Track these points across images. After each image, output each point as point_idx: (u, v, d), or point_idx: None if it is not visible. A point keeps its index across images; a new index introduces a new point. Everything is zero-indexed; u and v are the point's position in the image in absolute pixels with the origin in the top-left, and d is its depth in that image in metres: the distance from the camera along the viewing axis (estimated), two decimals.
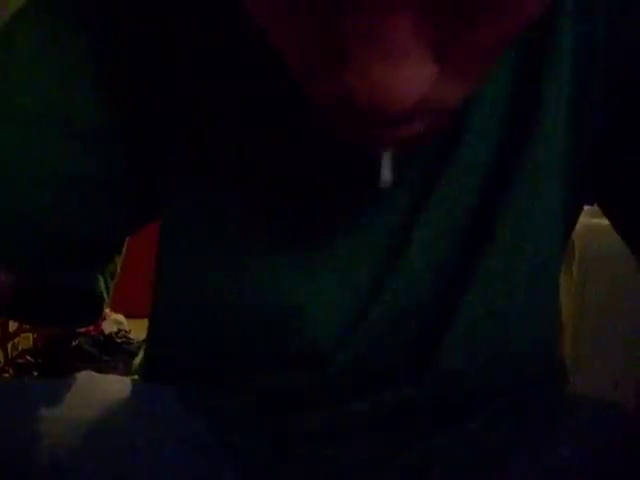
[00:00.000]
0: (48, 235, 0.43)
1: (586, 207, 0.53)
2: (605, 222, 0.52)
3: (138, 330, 2.40)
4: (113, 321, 2.47)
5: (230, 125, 0.46)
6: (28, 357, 2.18)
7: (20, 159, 0.42)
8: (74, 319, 0.52)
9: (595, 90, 0.45)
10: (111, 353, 2.30)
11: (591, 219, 1.33)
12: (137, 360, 0.58)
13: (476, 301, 0.46)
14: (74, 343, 2.25)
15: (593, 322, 1.56)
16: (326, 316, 0.47)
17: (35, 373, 2.12)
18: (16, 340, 2.20)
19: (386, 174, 0.37)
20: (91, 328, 2.39)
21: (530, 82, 0.45)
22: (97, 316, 0.52)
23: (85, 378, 0.50)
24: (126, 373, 0.57)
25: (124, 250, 0.55)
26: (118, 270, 0.55)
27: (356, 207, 0.46)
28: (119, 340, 2.38)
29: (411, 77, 0.30)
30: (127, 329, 2.46)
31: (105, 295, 0.52)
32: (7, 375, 2.08)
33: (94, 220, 0.46)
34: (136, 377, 0.55)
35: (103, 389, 0.50)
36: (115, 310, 2.49)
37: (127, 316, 2.50)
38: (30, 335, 2.22)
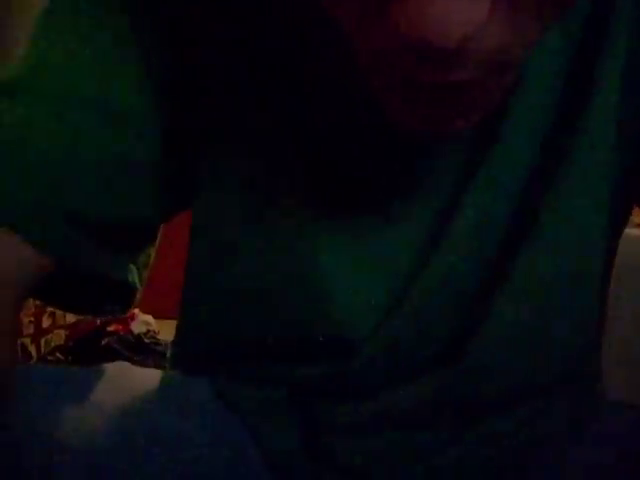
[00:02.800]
0: (80, 219, 0.44)
1: None
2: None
3: (166, 331, 2.41)
4: (142, 322, 2.48)
5: (267, 99, 0.46)
6: (58, 354, 2.20)
7: (55, 142, 0.42)
8: (106, 307, 0.52)
9: None
10: (140, 353, 2.31)
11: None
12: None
13: (515, 295, 0.45)
14: (103, 342, 2.27)
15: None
16: (358, 302, 0.46)
17: None
18: (49, 336, 2.22)
19: None
20: (120, 327, 2.41)
21: (586, 58, 0.44)
22: (129, 305, 0.52)
23: (118, 368, 0.51)
24: None
25: (157, 242, 0.55)
26: (151, 262, 0.55)
27: (396, 187, 0.46)
28: (148, 341, 2.40)
29: (464, 8, 0.29)
30: (156, 330, 2.48)
31: (138, 284, 0.52)
32: None
33: (127, 204, 0.46)
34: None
35: (135, 378, 0.50)
36: (144, 311, 2.51)
37: (156, 317, 2.52)
38: (62, 332, 2.24)
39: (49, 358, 2.19)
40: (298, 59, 0.45)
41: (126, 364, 0.53)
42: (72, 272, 0.46)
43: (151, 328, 2.48)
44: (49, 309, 2.14)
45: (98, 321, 2.31)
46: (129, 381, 0.49)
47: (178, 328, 0.55)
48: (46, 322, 2.18)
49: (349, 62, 0.36)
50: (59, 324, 2.19)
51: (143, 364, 2.21)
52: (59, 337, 2.26)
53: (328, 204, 0.46)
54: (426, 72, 0.32)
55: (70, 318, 2.25)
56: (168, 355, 0.59)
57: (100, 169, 0.43)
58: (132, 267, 0.52)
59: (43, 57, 0.43)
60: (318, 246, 0.46)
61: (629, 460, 0.47)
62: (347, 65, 0.37)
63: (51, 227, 0.43)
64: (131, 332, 2.42)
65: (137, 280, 0.52)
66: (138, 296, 0.54)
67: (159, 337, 2.43)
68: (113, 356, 2.22)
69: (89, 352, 2.21)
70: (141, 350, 2.32)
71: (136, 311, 2.50)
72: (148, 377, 0.51)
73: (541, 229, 0.45)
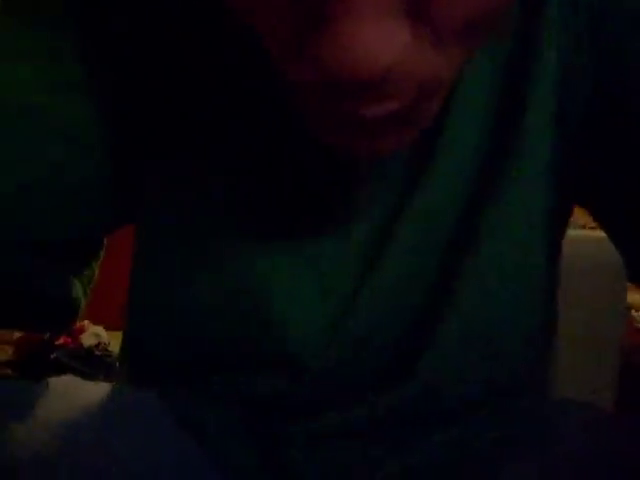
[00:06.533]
0: (23, 234, 0.43)
1: None
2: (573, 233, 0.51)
3: (118, 343, 2.38)
4: (92, 334, 2.44)
5: (214, 120, 0.45)
6: (8, 370, 2.16)
7: None
8: (49, 323, 0.51)
9: (582, 78, 0.45)
10: (90, 366, 2.27)
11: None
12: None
13: (461, 305, 0.46)
14: (52, 356, 2.23)
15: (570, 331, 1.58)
16: (304, 320, 0.46)
17: None
18: None
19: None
20: (69, 340, 2.37)
21: (517, 75, 0.44)
22: (73, 320, 0.52)
23: (65, 382, 0.50)
24: None
25: (101, 255, 0.54)
26: (95, 275, 0.54)
27: (335, 204, 0.46)
28: (98, 353, 2.36)
29: (383, 37, 0.28)
30: (106, 342, 2.44)
31: (82, 299, 0.51)
32: None
33: (72, 219, 0.45)
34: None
35: (83, 392, 0.49)
36: (94, 322, 2.47)
37: (106, 328, 2.48)
38: (8, 348, 2.20)
39: None
40: (234, 79, 0.45)
41: (74, 378, 0.51)
42: (9, 289, 0.45)
43: (102, 340, 2.44)
44: None
45: (46, 335, 2.27)
46: (77, 395, 0.48)
47: (123, 345, 0.54)
48: None
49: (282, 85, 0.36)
50: (5, 339, 2.15)
51: (94, 377, 2.18)
52: (5, 352, 2.21)
53: (268, 222, 0.46)
54: (351, 105, 0.32)
55: (17, 333, 2.20)
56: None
57: (44, 184, 0.43)
58: (76, 282, 0.51)
59: None
60: (258, 264, 0.46)
61: (583, 460, 0.48)
62: (281, 87, 0.37)
63: None
64: (81, 345, 2.38)
65: (81, 295, 0.52)
66: (81, 311, 0.53)
67: (110, 349, 2.40)
68: (63, 370, 2.18)
69: (38, 367, 2.17)
70: (92, 363, 2.29)
71: (86, 323, 2.47)
72: (97, 391, 0.50)
73: (482, 243, 0.46)
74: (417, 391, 0.47)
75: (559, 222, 0.51)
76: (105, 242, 0.54)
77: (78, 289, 0.51)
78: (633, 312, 1.80)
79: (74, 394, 0.49)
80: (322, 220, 0.46)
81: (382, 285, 0.46)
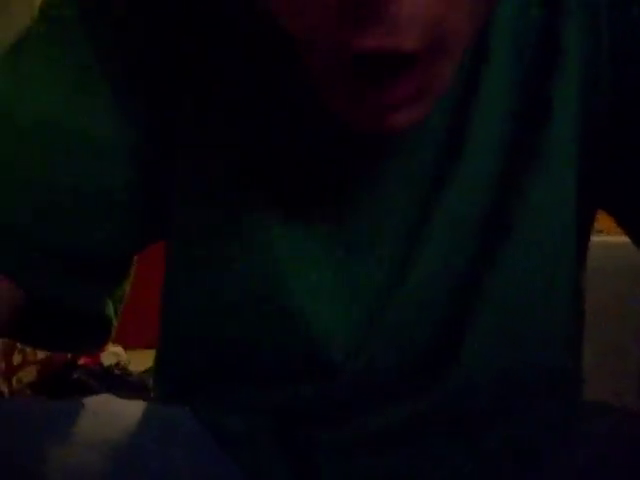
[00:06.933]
0: (56, 250, 0.43)
1: None
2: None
3: (137, 362, 2.38)
4: (111, 353, 2.44)
5: (225, 115, 0.46)
6: (29, 391, 2.16)
7: (22, 173, 0.42)
8: (83, 342, 0.52)
9: (603, 77, 0.45)
10: (111, 385, 2.27)
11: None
12: None
13: (492, 300, 0.46)
14: (74, 376, 2.23)
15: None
16: (333, 321, 0.46)
17: None
18: (20, 374, 2.18)
19: None
20: (90, 360, 2.37)
21: (541, 75, 0.45)
22: (106, 339, 0.52)
23: (101, 400, 0.50)
24: None
25: (131, 274, 0.55)
26: (126, 294, 0.55)
27: (364, 206, 0.46)
28: (118, 372, 2.36)
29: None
30: (126, 361, 2.44)
31: (114, 318, 0.52)
32: None
33: (103, 234, 0.46)
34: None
35: (118, 411, 0.49)
36: (113, 342, 2.47)
37: (125, 348, 2.48)
38: (34, 368, 2.21)
39: (21, 395, 2.15)
40: (253, 77, 0.46)
41: (108, 396, 0.52)
42: (44, 306, 0.46)
43: (121, 359, 2.44)
44: (19, 345, 2.10)
45: (69, 355, 2.28)
46: (112, 413, 0.49)
47: (157, 355, 0.55)
48: (17, 359, 2.14)
49: (300, 76, 0.36)
50: (30, 360, 2.15)
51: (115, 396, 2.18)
52: (31, 374, 2.22)
53: (299, 223, 0.46)
54: (370, 36, 0.32)
55: (41, 354, 2.21)
56: (150, 383, 0.58)
57: (76, 199, 0.43)
58: (108, 301, 0.52)
59: (16, 87, 0.43)
60: (287, 265, 0.46)
61: (609, 462, 0.48)
62: (299, 79, 0.37)
63: (25, 257, 0.42)
64: (101, 364, 2.38)
65: (113, 314, 0.52)
66: (114, 330, 0.54)
67: (130, 368, 2.40)
68: (84, 390, 2.18)
69: (60, 387, 2.17)
70: (112, 382, 2.29)
71: None
72: (131, 409, 0.51)
73: (510, 240, 0.46)
74: (448, 395, 0.47)
75: (585, 220, 0.51)
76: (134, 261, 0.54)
77: (110, 308, 0.52)
78: None
79: (110, 412, 0.49)
80: (352, 219, 0.46)
81: (413, 283, 0.46)
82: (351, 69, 0.34)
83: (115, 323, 0.52)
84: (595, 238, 0.56)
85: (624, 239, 0.51)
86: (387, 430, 0.48)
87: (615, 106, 0.45)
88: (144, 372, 2.28)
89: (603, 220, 0.57)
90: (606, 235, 1.50)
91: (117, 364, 2.40)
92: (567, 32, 0.44)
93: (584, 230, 0.52)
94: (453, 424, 0.49)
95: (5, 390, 2.11)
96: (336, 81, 0.36)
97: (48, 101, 0.43)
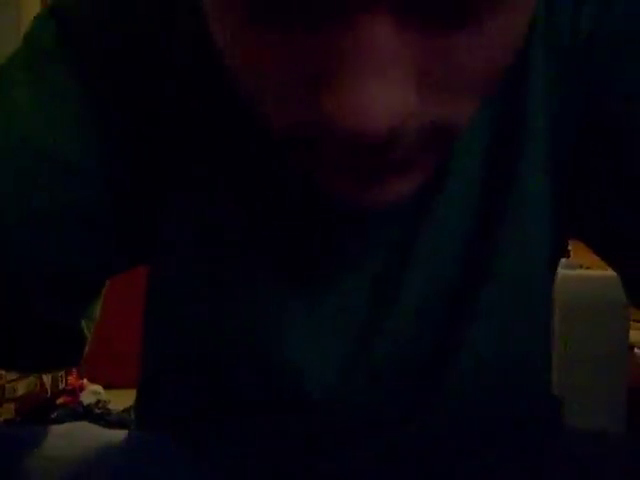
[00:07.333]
0: (28, 267, 0.43)
1: None
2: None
3: (117, 401, 2.37)
4: (91, 392, 2.43)
5: (218, 168, 0.46)
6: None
7: (5, 191, 0.42)
8: (55, 361, 0.51)
9: (572, 112, 0.45)
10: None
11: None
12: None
13: (474, 340, 0.46)
14: (53, 415, 2.21)
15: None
16: (314, 362, 0.46)
17: None
18: None
19: None
20: (69, 399, 2.35)
21: (510, 126, 0.45)
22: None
23: (82, 426, 0.50)
24: None
25: (102, 296, 0.54)
26: (97, 317, 0.54)
27: (349, 243, 0.46)
28: (98, 411, 2.34)
29: (385, 96, 0.28)
30: (106, 400, 2.43)
31: (88, 336, 0.51)
32: None
33: (75, 254, 0.45)
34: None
35: (99, 437, 0.49)
36: (92, 381, 2.46)
37: (105, 387, 2.47)
38: (11, 406, 2.19)
39: None
40: (236, 126, 0.45)
41: (88, 424, 0.52)
42: (16, 323, 0.45)
43: (101, 398, 2.43)
44: None
45: (48, 393, 2.26)
46: (92, 439, 0.48)
47: (138, 394, 0.54)
48: None
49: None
50: (8, 397, 2.13)
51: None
52: (9, 411, 2.20)
53: (281, 260, 0.46)
54: (360, 157, 0.32)
55: (20, 391, 2.19)
56: (131, 422, 0.57)
57: (49, 218, 0.43)
58: (81, 320, 0.51)
59: None
60: (271, 301, 0.46)
61: None
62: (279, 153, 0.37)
63: None
64: (81, 403, 2.36)
65: (86, 331, 0.52)
66: (86, 350, 0.53)
67: (109, 407, 2.38)
68: None
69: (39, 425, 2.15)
70: (91, 421, 2.26)
71: (85, 381, 2.45)
72: (111, 435, 0.50)
73: (489, 288, 0.45)
74: (434, 425, 0.47)
75: (556, 254, 0.51)
76: (106, 283, 0.53)
77: (83, 324, 0.51)
78: (636, 349, 1.79)
79: (89, 438, 0.48)
80: (335, 256, 0.46)
81: (398, 318, 0.46)
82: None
83: (89, 340, 0.51)
84: (572, 272, 0.57)
85: (602, 273, 0.51)
86: (367, 462, 0.47)
87: (585, 137, 0.45)
88: (124, 411, 2.27)
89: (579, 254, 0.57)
90: (584, 269, 1.52)
91: (97, 403, 2.39)
92: (534, 51, 0.44)
93: (555, 264, 0.51)
94: (437, 455, 0.48)
95: None
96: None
97: (27, 127, 0.43)
